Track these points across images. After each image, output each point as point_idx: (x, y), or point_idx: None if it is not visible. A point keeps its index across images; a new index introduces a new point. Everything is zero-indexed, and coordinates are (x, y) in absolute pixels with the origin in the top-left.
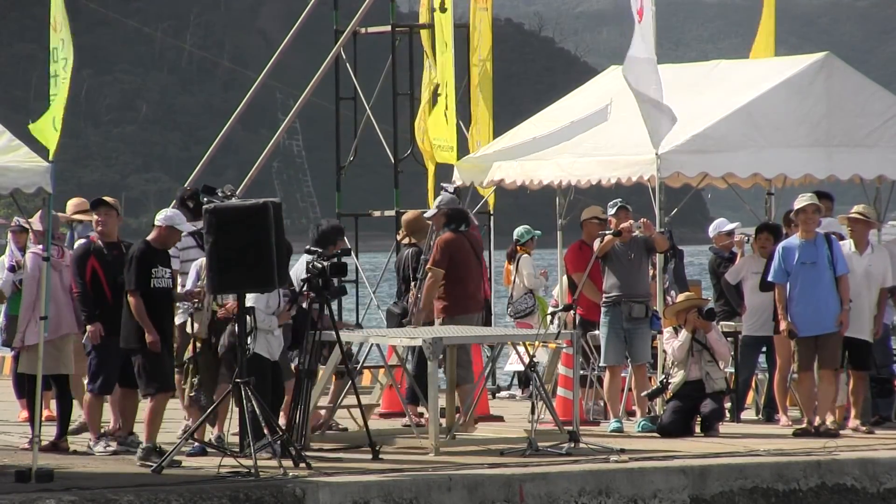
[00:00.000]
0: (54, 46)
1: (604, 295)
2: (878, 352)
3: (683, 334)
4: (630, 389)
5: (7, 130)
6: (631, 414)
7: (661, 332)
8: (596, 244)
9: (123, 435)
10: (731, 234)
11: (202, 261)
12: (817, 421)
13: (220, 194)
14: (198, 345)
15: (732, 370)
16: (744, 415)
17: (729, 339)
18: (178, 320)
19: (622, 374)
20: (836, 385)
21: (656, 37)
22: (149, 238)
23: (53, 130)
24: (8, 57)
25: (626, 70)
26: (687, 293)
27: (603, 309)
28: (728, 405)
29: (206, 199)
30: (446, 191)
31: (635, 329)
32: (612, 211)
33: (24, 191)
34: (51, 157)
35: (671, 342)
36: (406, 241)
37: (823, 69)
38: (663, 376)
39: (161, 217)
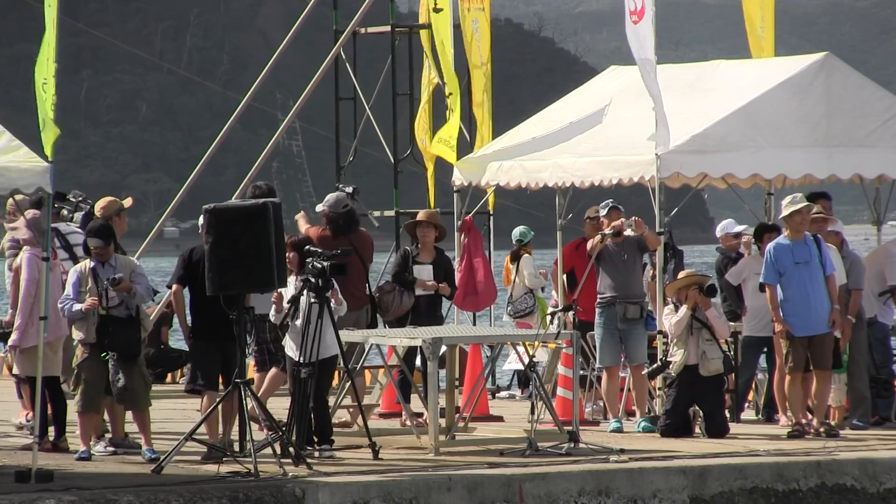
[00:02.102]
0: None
1: (598, 296)
2: (877, 352)
3: (683, 310)
4: (629, 390)
5: (7, 130)
6: (631, 414)
7: (659, 332)
8: (591, 244)
9: (120, 436)
10: (738, 235)
11: (83, 265)
12: (815, 421)
13: (71, 199)
14: (83, 351)
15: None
16: (744, 415)
17: (729, 339)
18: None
19: (621, 375)
20: (830, 384)
21: (656, 37)
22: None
23: (48, 133)
24: (8, 57)
25: (643, 72)
26: (688, 270)
27: (598, 310)
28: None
29: (58, 205)
30: (342, 191)
31: (630, 329)
32: (603, 212)
33: (23, 191)
34: (50, 157)
35: (670, 318)
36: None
37: (823, 69)
38: (663, 355)
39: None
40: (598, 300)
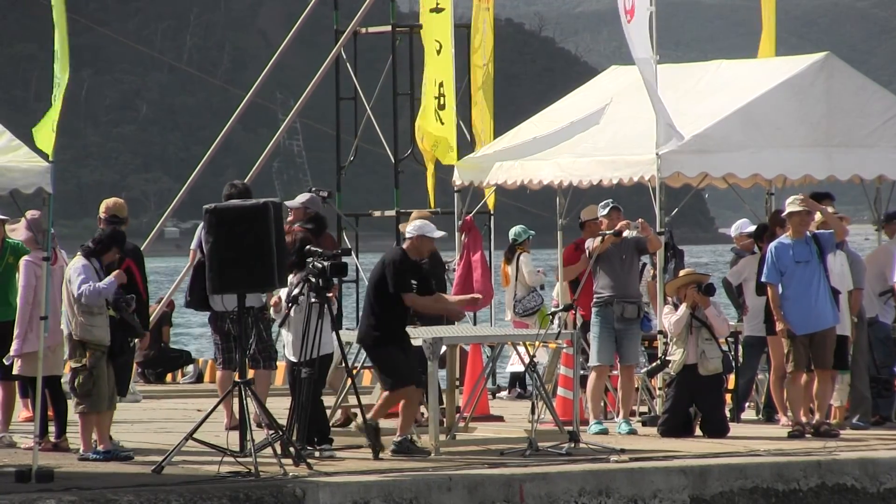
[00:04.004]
0: (56, 48)
1: (595, 295)
2: (878, 351)
3: (682, 309)
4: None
5: (7, 130)
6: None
7: (659, 332)
8: (593, 244)
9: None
10: (752, 234)
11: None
12: (815, 420)
13: None
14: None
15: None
16: (744, 415)
17: (730, 338)
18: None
19: (612, 374)
20: (833, 384)
21: (657, 37)
22: (404, 247)
23: (52, 132)
24: (8, 57)
25: (643, 71)
26: (687, 269)
27: (594, 309)
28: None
29: None
30: (318, 194)
31: (626, 329)
32: (603, 212)
33: (23, 191)
34: (50, 158)
35: (669, 317)
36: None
37: (824, 69)
38: (662, 354)
39: (411, 227)
40: (595, 299)
